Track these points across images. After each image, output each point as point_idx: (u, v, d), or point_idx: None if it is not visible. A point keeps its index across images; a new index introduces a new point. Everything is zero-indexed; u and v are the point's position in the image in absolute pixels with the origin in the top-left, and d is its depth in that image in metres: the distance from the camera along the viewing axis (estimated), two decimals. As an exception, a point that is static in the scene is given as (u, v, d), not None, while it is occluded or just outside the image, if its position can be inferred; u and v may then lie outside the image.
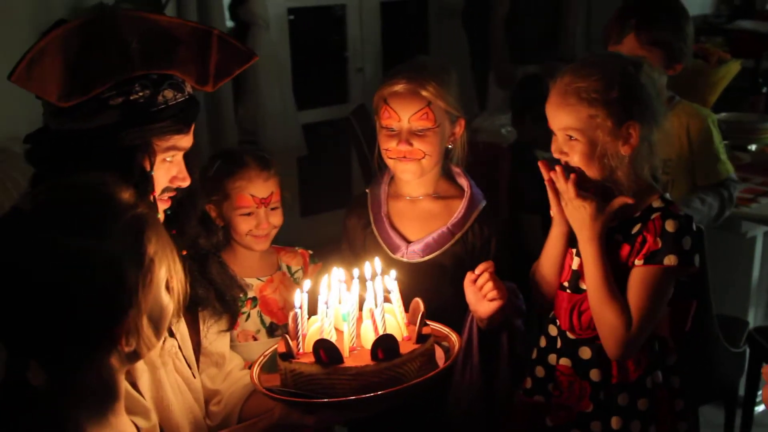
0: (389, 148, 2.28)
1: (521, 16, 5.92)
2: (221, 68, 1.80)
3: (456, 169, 2.41)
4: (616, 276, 2.01)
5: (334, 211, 4.66)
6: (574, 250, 2.10)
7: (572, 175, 2.01)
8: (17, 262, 1.29)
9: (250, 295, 2.48)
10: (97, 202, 1.37)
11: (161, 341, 1.53)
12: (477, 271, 2.11)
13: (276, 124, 4.53)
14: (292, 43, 4.83)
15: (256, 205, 2.42)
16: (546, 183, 2.07)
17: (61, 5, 3.13)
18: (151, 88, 1.71)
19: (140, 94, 1.70)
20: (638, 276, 2.00)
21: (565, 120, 2.00)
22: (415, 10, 5.58)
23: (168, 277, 1.44)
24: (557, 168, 2.04)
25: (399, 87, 2.24)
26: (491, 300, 2.08)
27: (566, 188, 2.02)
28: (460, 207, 2.34)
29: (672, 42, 2.82)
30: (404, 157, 2.26)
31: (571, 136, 2.00)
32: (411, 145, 2.24)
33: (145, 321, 1.37)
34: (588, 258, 2.02)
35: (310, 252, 2.62)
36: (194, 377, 1.95)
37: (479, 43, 5.63)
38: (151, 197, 1.75)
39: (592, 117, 1.96)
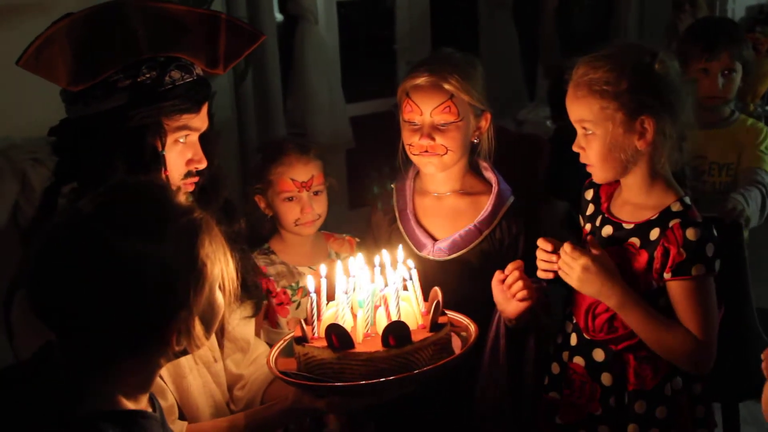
0: (412, 143, 2.26)
1: (572, 7, 5.86)
2: (231, 50, 1.86)
3: (483, 164, 2.38)
4: (637, 285, 1.97)
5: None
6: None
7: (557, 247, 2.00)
8: (74, 262, 1.33)
9: (302, 284, 2.51)
10: (153, 206, 1.40)
11: None
12: (506, 270, 2.08)
13: (324, 117, 4.54)
14: (341, 36, 4.84)
15: (298, 189, 2.46)
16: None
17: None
18: (157, 69, 1.77)
19: (147, 75, 1.76)
20: (678, 292, 1.96)
21: (579, 112, 1.98)
22: (465, 3, 5.54)
23: (221, 278, 1.47)
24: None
25: (421, 80, 2.23)
26: (521, 300, 2.06)
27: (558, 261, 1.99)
28: (487, 203, 2.31)
29: (749, 55, 3.07)
30: (426, 151, 2.24)
31: (586, 129, 1.98)
32: (433, 139, 2.22)
33: (196, 322, 1.40)
34: (622, 311, 1.96)
35: (357, 240, 2.65)
36: (215, 361, 1.98)
37: (529, 35, 5.59)
38: (164, 176, 1.80)
39: (603, 109, 1.93)
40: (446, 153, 2.24)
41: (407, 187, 2.39)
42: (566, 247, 1.97)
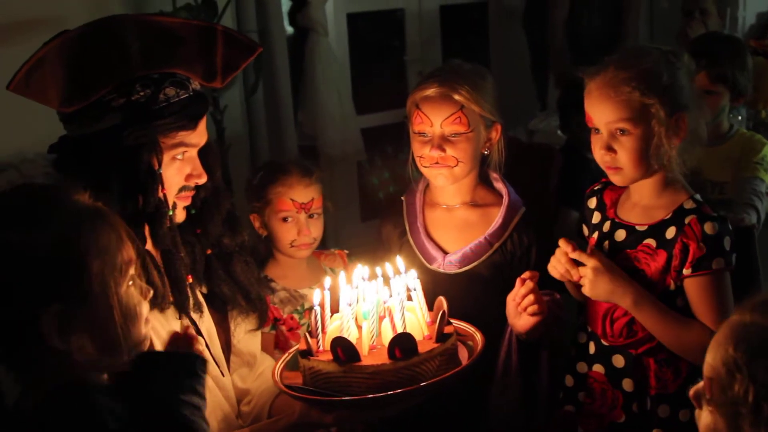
0: (422, 154, 2.24)
1: (581, 17, 5.84)
2: (228, 63, 1.84)
3: (494, 175, 2.36)
4: (653, 287, 1.96)
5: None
6: None
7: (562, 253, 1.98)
8: None
9: (307, 306, 2.52)
10: (31, 200, 1.41)
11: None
12: (523, 275, 2.04)
13: (335, 129, 4.55)
14: (351, 48, 4.85)
15: (296, 210, 2.47)
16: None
17: (120, 11, 3.18)
18: (151, 87, 1.75)
19: (141, 93, 1.74)
20: (696, 288, 1.94)
21: (614, 113, 1.93)
22: (475, 13, 5.54)
23: (126, 275, 1.44)
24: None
25: (431, 91, 2.21)
26: (531, 314, 2.02)
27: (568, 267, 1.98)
28: (498, 215, 2.29)
29: (738, 78, 3.05)
30: (437, 163, 2.22)
31: (621, 130, 1.94)
32: (444, 151, 2.20)
33: (94, 318, 1.39)
34: (637, 309, 1.95)
35: (347, 252, 2.67)
36: (223, 375, 1.96)
37: (539, 44, 5.58)
38: (161, 194, 1.78)
39: (647, 106, 1.91)
40: (457, 164, 2.22)
41: (417, 200, 2.37)
42: (578, 255, 1.96)
